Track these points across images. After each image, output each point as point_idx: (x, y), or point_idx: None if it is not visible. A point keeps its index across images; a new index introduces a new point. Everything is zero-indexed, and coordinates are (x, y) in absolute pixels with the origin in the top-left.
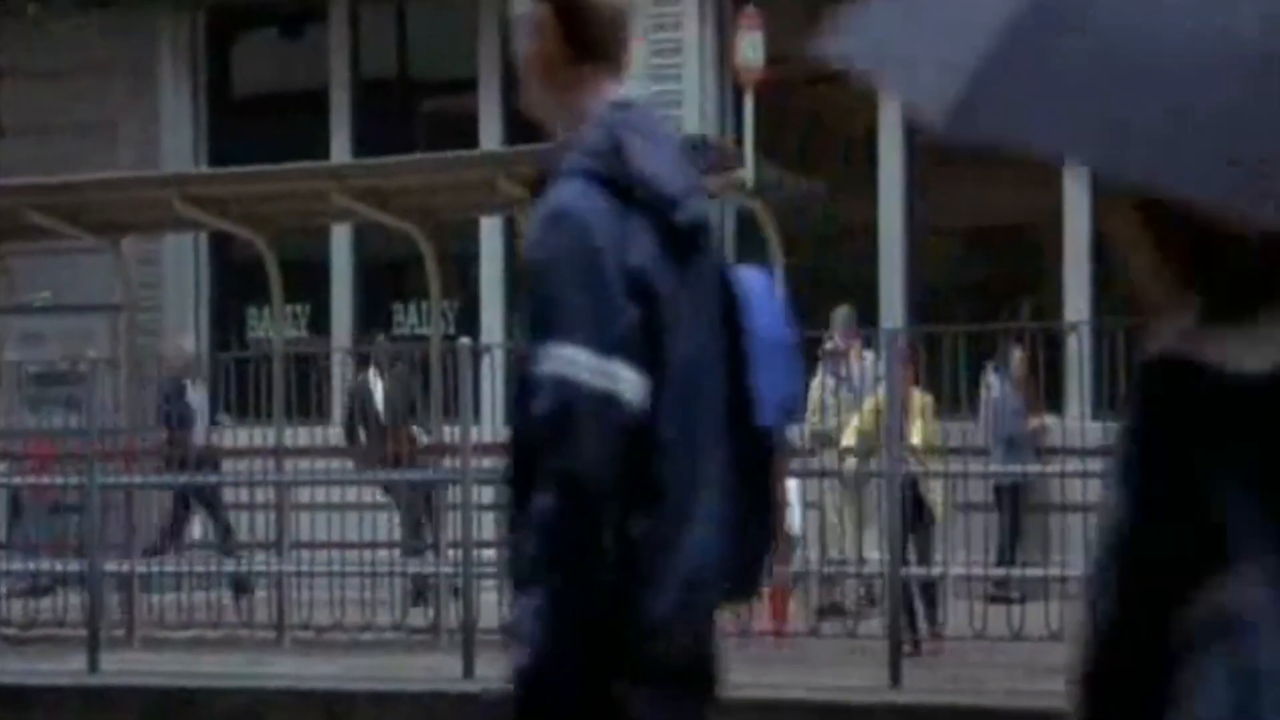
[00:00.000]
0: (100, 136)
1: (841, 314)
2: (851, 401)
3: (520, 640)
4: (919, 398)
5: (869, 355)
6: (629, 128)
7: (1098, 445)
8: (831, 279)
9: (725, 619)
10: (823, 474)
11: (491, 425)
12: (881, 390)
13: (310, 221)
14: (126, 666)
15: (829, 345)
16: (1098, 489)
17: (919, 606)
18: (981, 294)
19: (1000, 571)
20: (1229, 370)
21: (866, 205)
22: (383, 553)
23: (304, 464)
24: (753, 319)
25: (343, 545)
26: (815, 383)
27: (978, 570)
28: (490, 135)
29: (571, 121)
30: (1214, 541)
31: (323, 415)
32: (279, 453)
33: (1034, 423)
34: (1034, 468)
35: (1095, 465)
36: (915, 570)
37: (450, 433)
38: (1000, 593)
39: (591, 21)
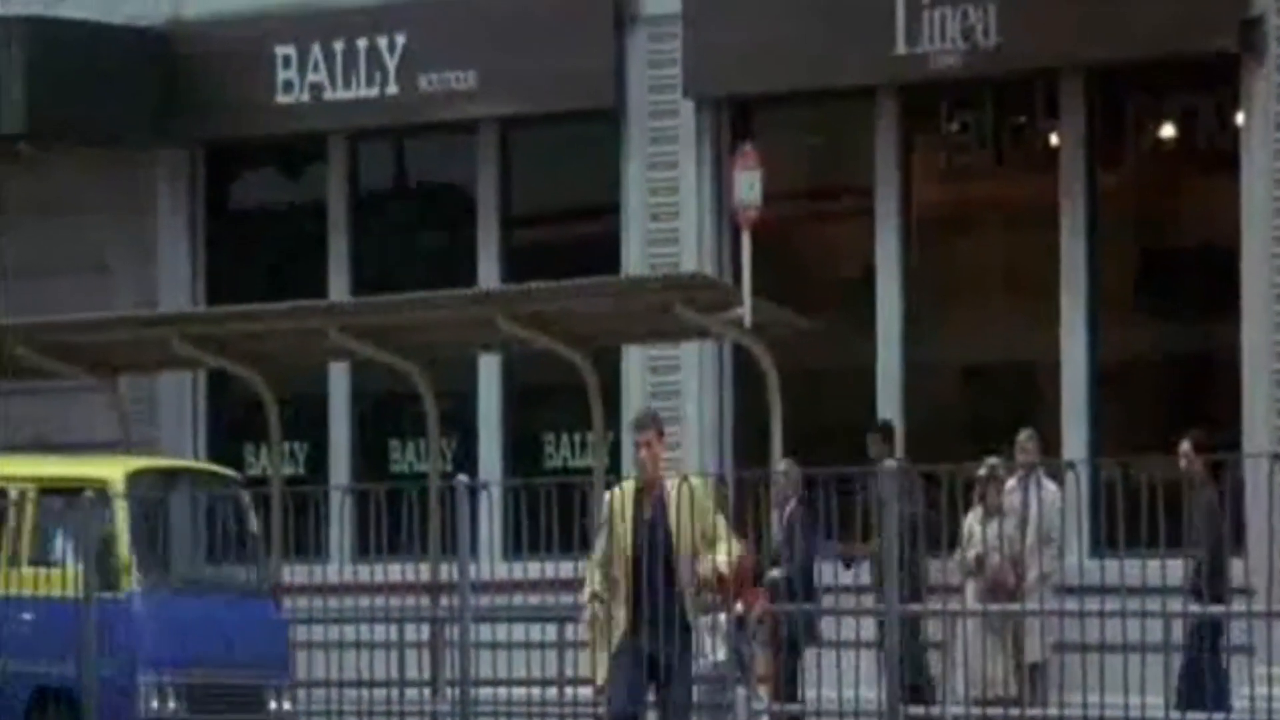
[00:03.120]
0: (96, 275)
1: (1022, 437)
2: (997, 533)
3: None
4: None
5: (1050, 486)
6: None
7: (1096, 583)
8: (829, 416)
9: None
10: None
11: (489, 562)
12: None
13: (308, 359)
14: None
15: (983, 471)
16: (1097, 628)
17: None
18: (979, 431)
19: (999, 711)
20: None
21: (864, 342)
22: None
23: (302, 602)
24: None
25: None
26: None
27: (975, 710)
28: (489, 272)
29: None
30: None
31: (320, 553)
32: (276, 589)
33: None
34: (1033, 606)
35: (1094, 604)
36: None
37: (449, 570)
38: None
39: None
